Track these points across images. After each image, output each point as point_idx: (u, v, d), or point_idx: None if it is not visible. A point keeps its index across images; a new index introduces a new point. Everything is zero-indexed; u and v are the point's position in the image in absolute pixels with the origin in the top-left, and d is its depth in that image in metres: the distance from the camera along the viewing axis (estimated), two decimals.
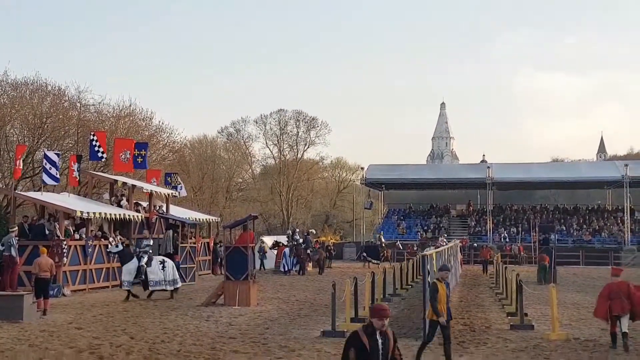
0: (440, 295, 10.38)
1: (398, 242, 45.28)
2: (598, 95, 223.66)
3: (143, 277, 20.02)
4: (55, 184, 27.83)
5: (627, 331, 12.12)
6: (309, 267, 33.66)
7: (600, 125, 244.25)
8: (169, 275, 20.40)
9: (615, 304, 12.19)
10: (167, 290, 20.46)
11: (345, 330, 13.78)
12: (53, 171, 26.42)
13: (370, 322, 6.18)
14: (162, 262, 20.52)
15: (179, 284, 20.98)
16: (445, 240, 39.58)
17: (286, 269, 31.77)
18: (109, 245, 23.06)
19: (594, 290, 23.97)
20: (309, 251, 32.11)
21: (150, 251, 20.78)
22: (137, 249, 20.64)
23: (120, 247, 21.26)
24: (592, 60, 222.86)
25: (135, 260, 20.14)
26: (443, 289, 10.45)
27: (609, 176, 48.82)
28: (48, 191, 25.87)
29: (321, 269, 32.19)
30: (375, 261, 36.61)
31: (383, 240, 41.55)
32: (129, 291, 19.87)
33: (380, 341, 6.07)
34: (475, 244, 43.97)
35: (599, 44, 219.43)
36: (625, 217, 46.36)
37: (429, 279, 13.58)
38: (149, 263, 20.17)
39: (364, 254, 38.74)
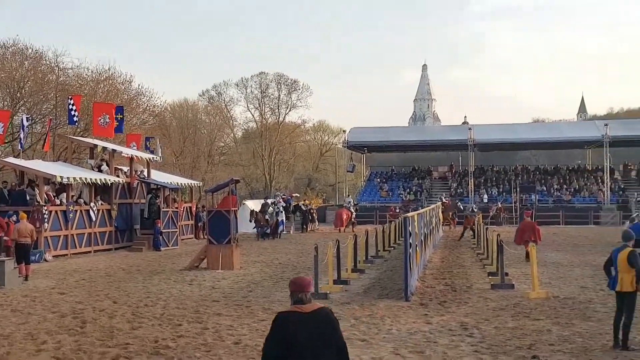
0: None
1: None
2: (579, 56, 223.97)
3: None
4: (21, 149, 27.62)
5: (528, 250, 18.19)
6: (291, 230, 33.99)
7: (581, 85, 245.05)
8: None
9: (525, 234, 20.35)
10: None
11: (328, 292, 13.88)
12: (23, 135, 26.46)
13: None
14: None
15: None
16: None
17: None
18: (90, 211, 22.80)
19: (573, 250, 24.36)
20: (266, 216, 31.53)
21: None
22: None
23: None
24: (570, 20, 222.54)
25: None
26: None
27: (589, 136, 48.93)
28: (27, 157, 25.60)
29: (275, 234, 31.62)
30: None
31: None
32: None
33: None
34: (460, 204, 44.04)
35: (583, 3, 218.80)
36: (605, 177, 46.72)
37: (410, 241, 13.66)
38: None
39: None
